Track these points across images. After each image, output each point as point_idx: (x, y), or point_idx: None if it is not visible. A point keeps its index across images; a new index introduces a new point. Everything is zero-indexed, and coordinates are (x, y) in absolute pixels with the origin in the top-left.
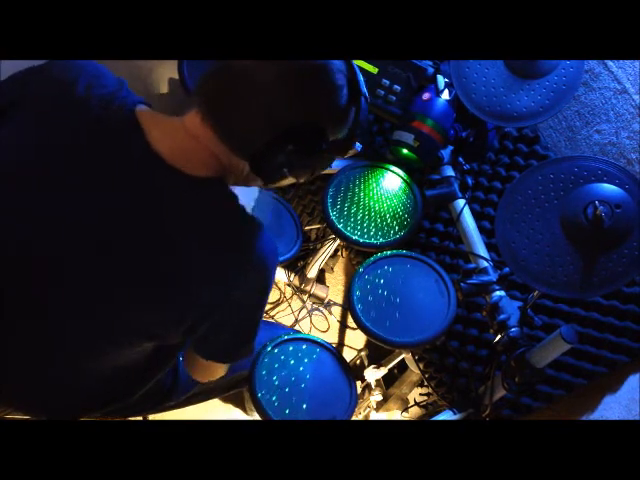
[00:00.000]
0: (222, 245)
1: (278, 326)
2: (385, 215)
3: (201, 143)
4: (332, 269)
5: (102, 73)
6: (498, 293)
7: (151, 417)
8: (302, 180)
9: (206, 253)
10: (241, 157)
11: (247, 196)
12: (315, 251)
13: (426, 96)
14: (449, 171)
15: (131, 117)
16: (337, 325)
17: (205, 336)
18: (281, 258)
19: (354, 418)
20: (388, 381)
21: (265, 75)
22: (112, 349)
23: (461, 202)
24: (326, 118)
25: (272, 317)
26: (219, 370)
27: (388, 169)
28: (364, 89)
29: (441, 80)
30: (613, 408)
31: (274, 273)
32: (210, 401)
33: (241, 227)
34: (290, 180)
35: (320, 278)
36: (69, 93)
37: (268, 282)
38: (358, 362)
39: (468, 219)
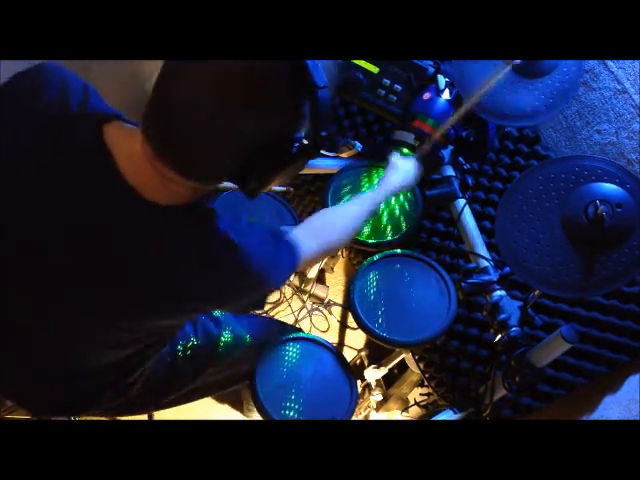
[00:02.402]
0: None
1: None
2: (385, 215)
3: (163, 175)
4: (332, 269)
5: (68, 84)
6: (498, 293)
7: (154, 415)
8: (287, 182)
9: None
10: (209, 185)
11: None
12: None
13: (427, 96)
14: (449, 171)
15: (98, 136)
16: (337, 325)
17: None
18: None
19: (354, 418)
20: (388, 381)
21: (205, 109)
22: (101, 349)
23: (461, 202)
24: (282, 126)
25: (272, 317)
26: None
27: None
28: (317, 79)
29: (442, 80)
30: (613, 408)
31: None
32: (208, 403)
33: (209, 261)
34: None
35: (320, 278)
36: (36, 103)
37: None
38: (358, 362)
39: (469, 219)
